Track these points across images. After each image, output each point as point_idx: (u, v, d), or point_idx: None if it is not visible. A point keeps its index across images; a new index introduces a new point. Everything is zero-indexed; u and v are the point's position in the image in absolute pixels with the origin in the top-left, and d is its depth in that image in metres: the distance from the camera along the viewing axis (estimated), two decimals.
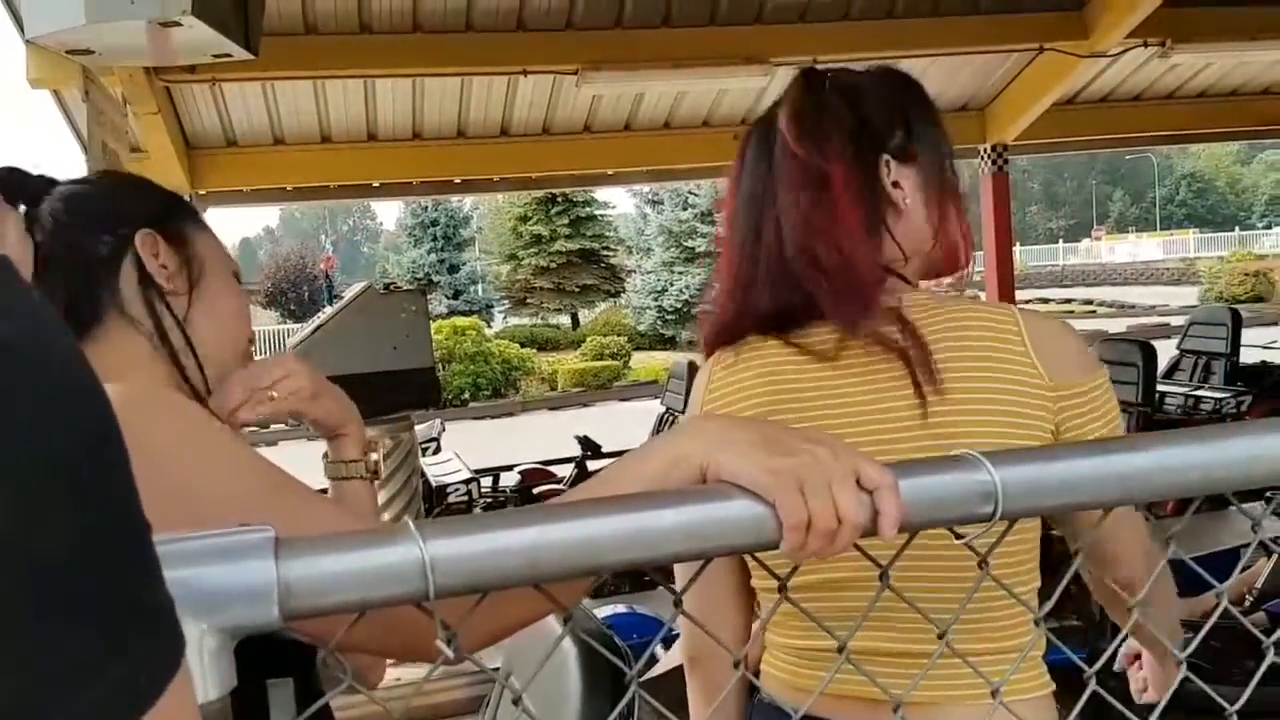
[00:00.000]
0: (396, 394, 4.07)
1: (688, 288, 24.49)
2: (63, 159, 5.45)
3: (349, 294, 4.21)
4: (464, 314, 24.38)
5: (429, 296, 4.20)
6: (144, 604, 0.43)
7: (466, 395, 18.03)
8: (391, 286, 4.24)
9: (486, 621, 0.69)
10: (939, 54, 5.06)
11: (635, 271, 27.76)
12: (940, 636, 0.69)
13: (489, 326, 25.11)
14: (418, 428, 4.88)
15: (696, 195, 25.09)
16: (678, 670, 1.24)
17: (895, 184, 1.06)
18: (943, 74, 5.44)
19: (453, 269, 29.96)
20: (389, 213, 65.74)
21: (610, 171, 5.98)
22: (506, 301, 29.74)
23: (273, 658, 0.66)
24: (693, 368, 6.65)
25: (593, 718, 1.48)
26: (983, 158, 5.97)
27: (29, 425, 0.40)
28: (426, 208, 29.21)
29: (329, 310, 4.29)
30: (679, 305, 24.74)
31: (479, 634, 0.73)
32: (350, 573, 0.59)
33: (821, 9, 4.79)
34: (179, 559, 0.55)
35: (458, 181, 5.94)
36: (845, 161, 1.04)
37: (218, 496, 0.79)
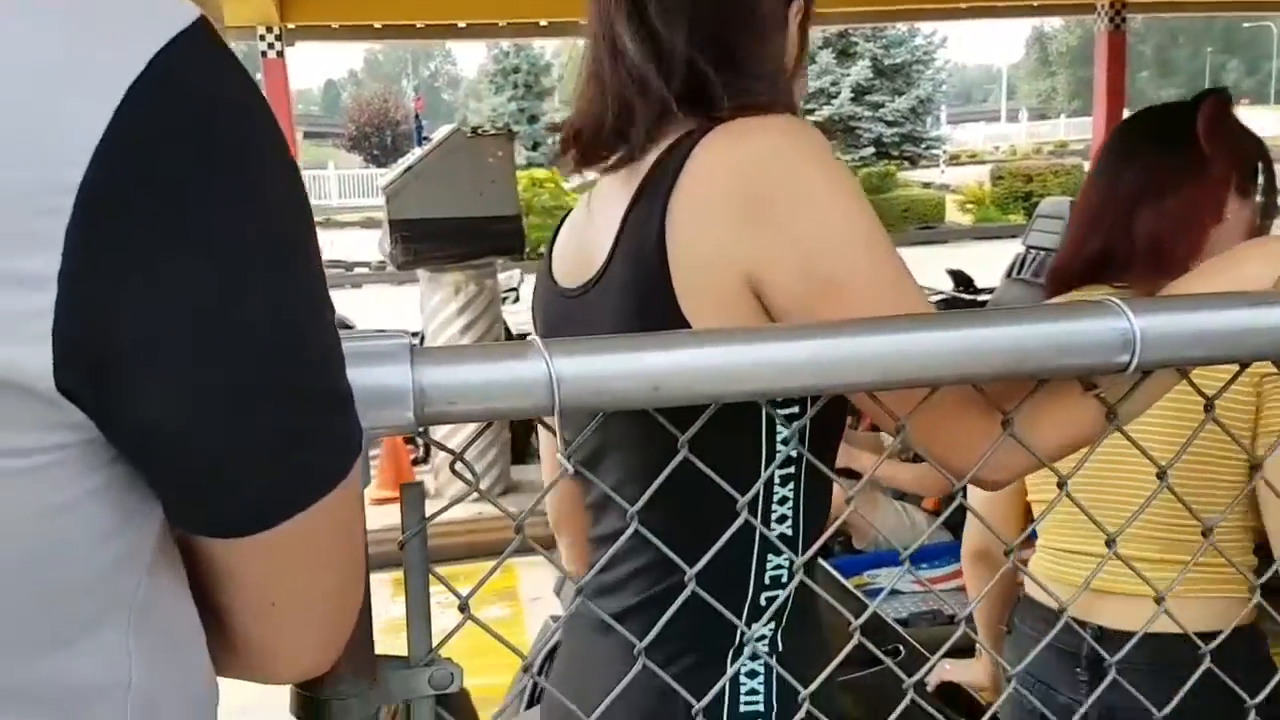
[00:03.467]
0: (481, 240, 4.10)
1: None
2: None
3: (437, 136, 4.20)
4: (542, 166, 24.21)
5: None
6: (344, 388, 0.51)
7: (543, 249, 18.07)
8: (479, 130, 4.21)
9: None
10: None
11: None
12: (1205, 534, 0.74)
13: (566, 180, 24.90)
14: (499, 276, 4.92)
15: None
16: None
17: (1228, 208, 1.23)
18: None
19: (532, 119, 29.65)
20: (470, 59, 64.90)
21: None
22: None
23: None
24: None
25: None
26: (1099, 14, 5.63)
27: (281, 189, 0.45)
28: (509, 53, 28.70)
29: (418, 152, 4.29)
30: None
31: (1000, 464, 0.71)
32: (480, 384, 0.60)
33: None
34: None
35: (543, 24, 5.80)
36: (1229, 176, 1.23)
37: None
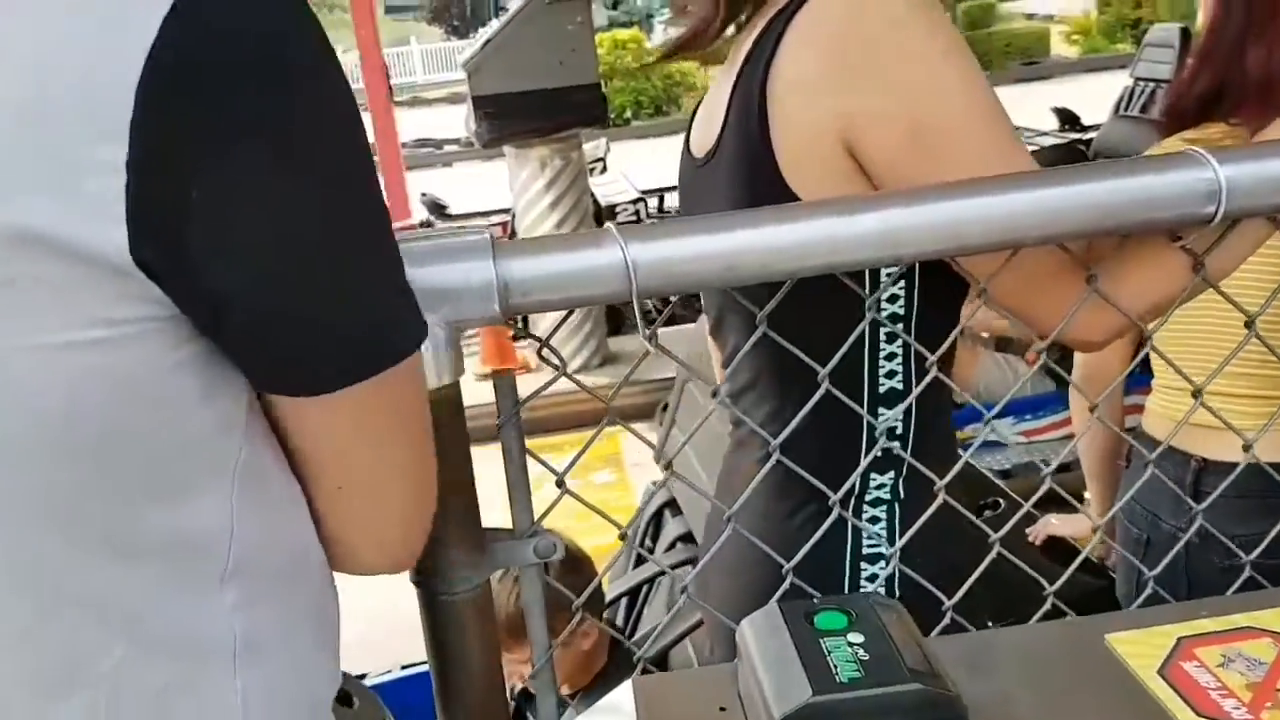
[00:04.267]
0: (564, 111, 4.06)
1: None
2: None
3: (513, 5, 4.13)
4: (624, 25, 23.57)
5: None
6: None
7: (629, 114, 17.79)
8: None
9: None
10: None
11: None
12: None
13: (649, 40, 24.28)
14: (584, 146, 4.89)
15: None
16: None
17: None
18: None
19: None
20: None
21: None
22: (667, 10, 28.53)
23: None
24: (1186, 34, 6.08)
25: None
26: None
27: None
28: None
29: (495, 24, 4.23)
30: None
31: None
32: (559, 274, 0.62)
33: None
34: (410, 258, 0.60)
35: None
36: None
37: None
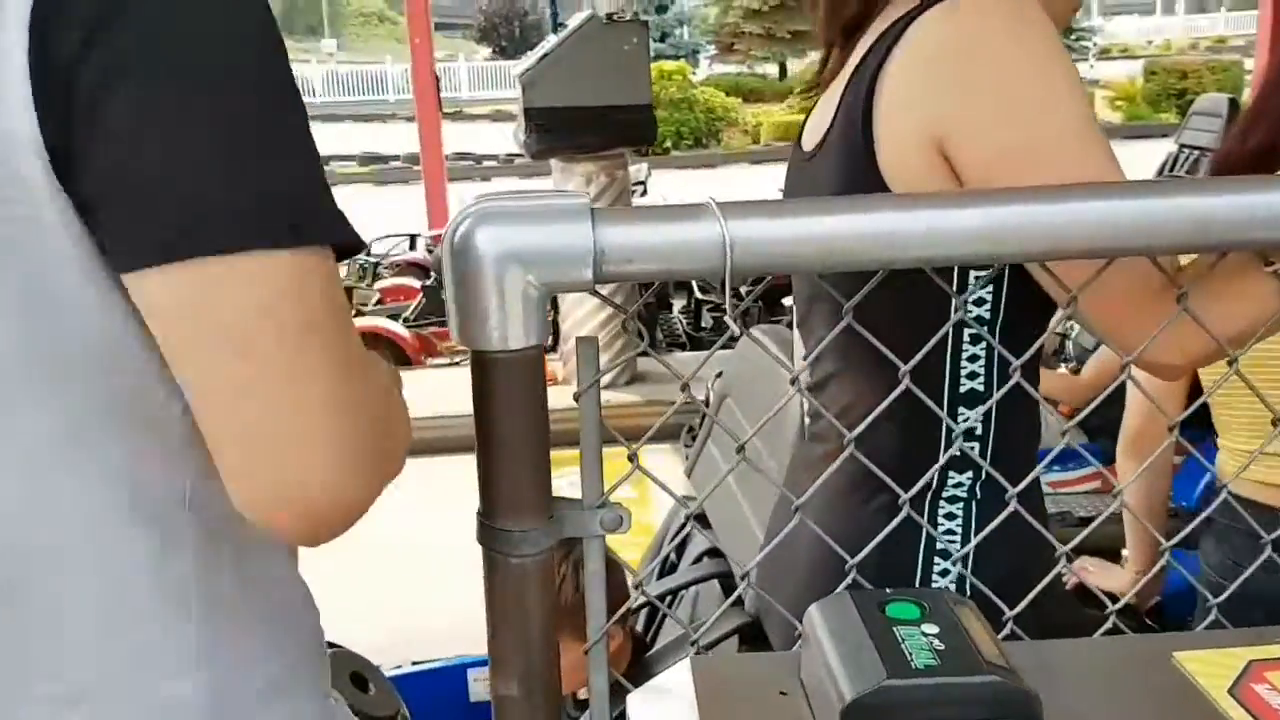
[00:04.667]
0: (614, 130, 4.09)
1: None
2: None
3: (573, 23, 4.18)
4: (670, 58, 23.79)
5: None
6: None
7: (669, 143, 17.91)
8: (614, 17, 4.16)
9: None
10: None
11: None
12: None
13: (694, 72, 24.47)
14: (629, 168, 4.92)
15: None
16: None
17: None
18: None
19: (660, 9, 29.03)
20: None
21: None
22: (713, 47, 28.76)
23: None
24: (1234, 105, 6.10)
25: None
26: None
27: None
28: None
29: (553, 39, 4.28)
30: None
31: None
32: (657, 244, 0.63)
33: None
34: (509, 217, 0.60)
35: None
36: None
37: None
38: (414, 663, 2.17)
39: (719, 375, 2.02)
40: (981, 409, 0.79)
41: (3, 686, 0.60)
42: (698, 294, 6.18)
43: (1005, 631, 0.72)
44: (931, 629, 0.57)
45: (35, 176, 0.51)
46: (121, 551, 0.60)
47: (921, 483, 0.72)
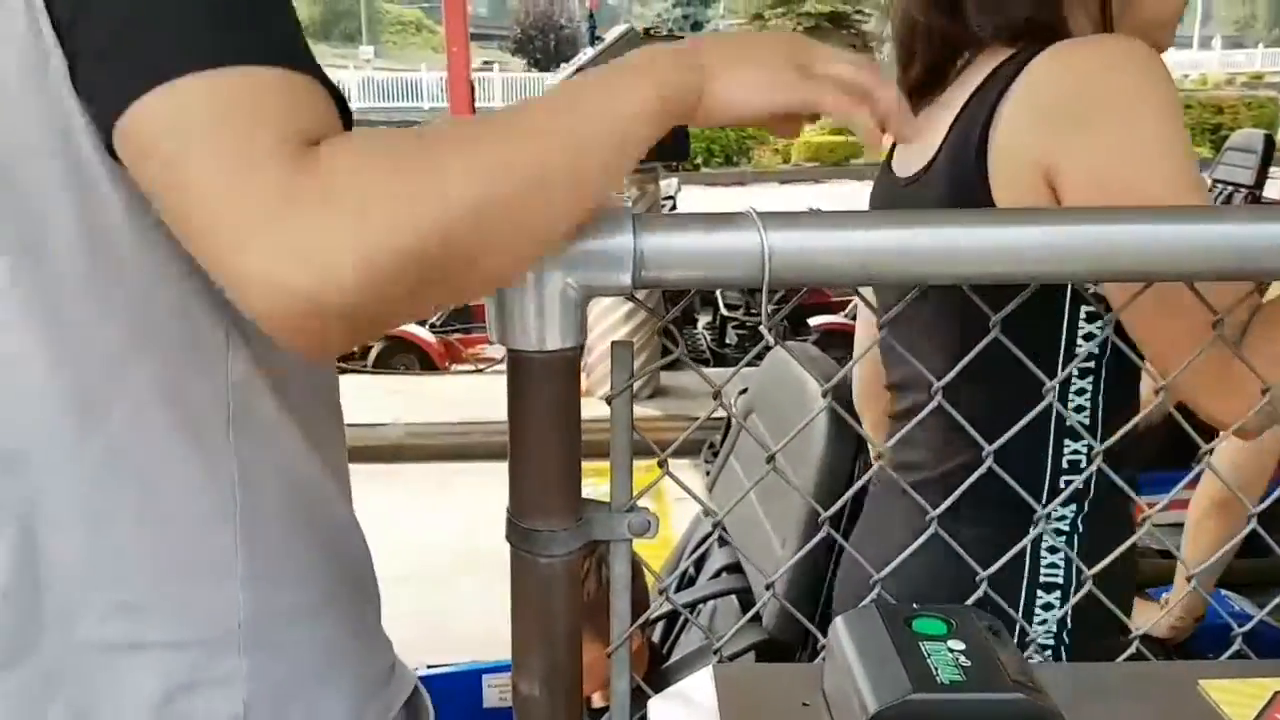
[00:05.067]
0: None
1: None
2: None
3: (610, 36, 4.20)
4: None
5: None
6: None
7: (699, 160, 17.95)
8: (651, 31, 4.18)
9: None
10: None
11: (889, 40, 25.83)
12: None
13: None
14: (660, 184, 4.93)
15: None
16: None
17: None
18: None
19: (696, 26, 29.16)
20: None
21: None
22: None
23: None
24: (1270, 141, 6.08)
25: (834, 461, 1.55)
26: None
27: None
28: None
29: (590, 52, 4.30)
30: None
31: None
32: (697, 251, 0.63)
33: None
34: None
35: None
36: None
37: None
38: (429, 666, 2.18)
39: (743, 392, 2.02)
40: (1085, 443, 0.81)
41: (64, 594, 0.64)
42: (723, 310, 6.18)
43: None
44: (958, 645, 0.57)
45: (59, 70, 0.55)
46: (171, 469, 0.64)
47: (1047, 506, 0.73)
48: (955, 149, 0.88)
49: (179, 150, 0.50)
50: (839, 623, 0.61)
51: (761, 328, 0.67)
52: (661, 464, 0.69)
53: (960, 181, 0.86)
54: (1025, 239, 0.62)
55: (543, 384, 0.63)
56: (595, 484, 0.66)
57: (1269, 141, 5.78)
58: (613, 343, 0.67)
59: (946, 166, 0.89)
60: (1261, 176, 5.74)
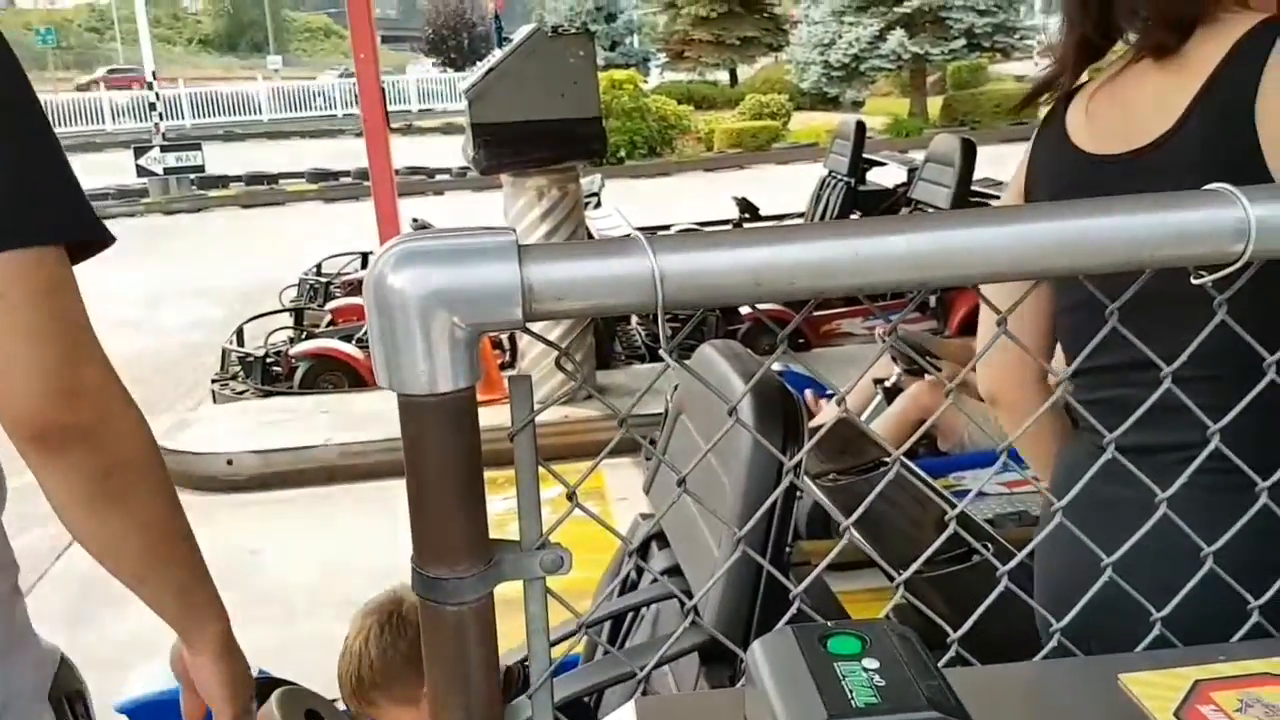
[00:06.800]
0: (564, 143, 4.08)
1: (858, 40, 22.02)
2: None
3: (518, 37, 4.16)
4: (621, 67, 23.79)
5: None
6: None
7: (622, 153, 17.94)
8: (559, 30, 4.15)
9: None
10: None
11: (801, 22, 25.98)
12: None
13: (645, 81, 24.50)
14: (581, 181, 4.91)
15: None
16: None
17: None
18: None
19: (610, 17, 29.06)
20: None
21: None
22: (663, 54, 28.84)
23: None
24: (861, 128, 6.33)
25: (761, 455, 1.54)
26: None
27: None
28: None
29: (499, 54, 4.26)
30: (847, 60, 22.67)
31: None
32: (587, 280, 0.61)
33: None
34: (432, 257, 0.59)
35: None
36: None
37: None
38: None
39: (677, 387, 2.01)
40: None
41: None
42: None
43: None
44: (872, 664, 0.56)
45: None
46: None
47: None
48: (1212, 116, 0.94)
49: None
50: (756, 648, 0.60)
51: (661, 352, 0.66)
52: (570, 497, 0.68)
53: (1222, 146, 0.93)
54: (913, 246, 0.62)
55: (438, 429, 0.61)
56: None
57: (860, 128, 6.34)
58: (509, 378, 0.65)
59: (1202, 131, 0.95)
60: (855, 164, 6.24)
